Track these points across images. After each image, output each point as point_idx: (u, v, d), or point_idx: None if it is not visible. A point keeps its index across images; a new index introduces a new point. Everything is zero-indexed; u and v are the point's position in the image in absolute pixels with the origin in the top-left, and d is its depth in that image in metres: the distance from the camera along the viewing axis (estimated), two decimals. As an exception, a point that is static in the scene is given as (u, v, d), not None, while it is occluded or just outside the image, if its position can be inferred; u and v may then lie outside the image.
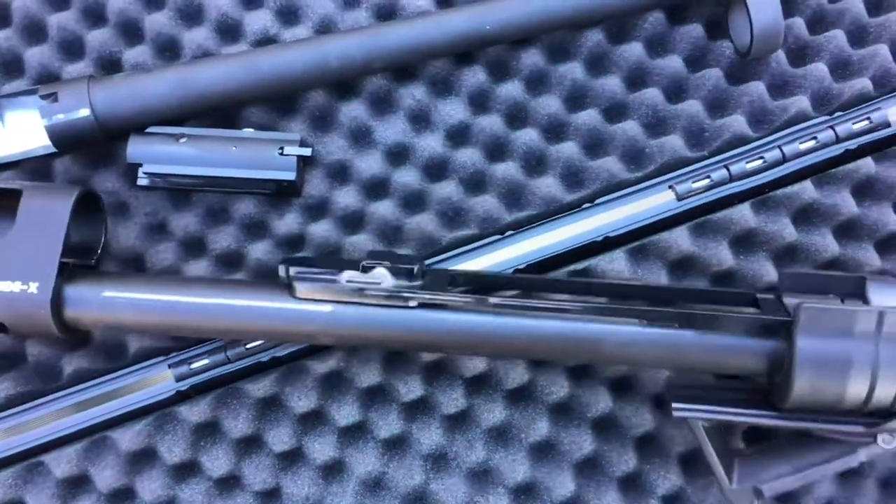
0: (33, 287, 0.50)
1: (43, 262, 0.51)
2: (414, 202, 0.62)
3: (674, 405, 0.51)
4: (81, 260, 0.54)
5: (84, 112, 0.58)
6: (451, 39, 0.61)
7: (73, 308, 0.51)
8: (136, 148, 0.59)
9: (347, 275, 0.51)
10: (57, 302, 0.51)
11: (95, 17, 0.65)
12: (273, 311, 0.52)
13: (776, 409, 0.50)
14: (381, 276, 0.51)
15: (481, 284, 0.55)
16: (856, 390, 0.47)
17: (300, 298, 0.51)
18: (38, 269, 0.51)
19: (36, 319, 0.50)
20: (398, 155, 0.63)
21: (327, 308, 0.51)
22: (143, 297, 0.52)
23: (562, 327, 0.51)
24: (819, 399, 0.48)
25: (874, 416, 0.48)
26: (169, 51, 0.65)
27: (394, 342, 0.53)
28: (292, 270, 0.51)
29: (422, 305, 0.51)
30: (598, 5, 0.62)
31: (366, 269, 0.51)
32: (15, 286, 0.50)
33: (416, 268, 0.51)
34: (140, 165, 0.60)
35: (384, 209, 0.61)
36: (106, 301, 0.52)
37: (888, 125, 0.62)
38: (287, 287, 0.51)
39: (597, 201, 0.62)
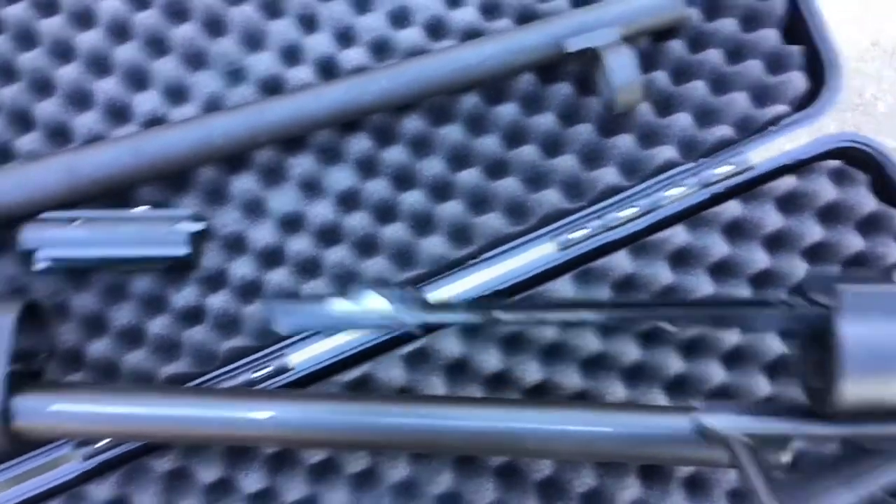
0: None
1: None
2: (308, 268, 0.64)
3: (707, 419, 0.47)
4: (26, 367, 0.55)
5: (-29, 204, 0.60)
6: (333, 111, 0.64)
7: (22, 420, 0.53)
8: (30, 235, 0.61)
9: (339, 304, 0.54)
10: (6, 416, 0.52)
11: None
12: (218, 419, 0.54)
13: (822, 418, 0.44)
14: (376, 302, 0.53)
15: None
16: None
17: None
18: None
19: None
20: (291, 223, 0.65)
21: (267, 414, 0.53)
22: (89, 409, 0.54)
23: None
24: (873, 398, 0.41)
25: None
26: (60, 136, 0.66)
27: (332, 439, 0.56)
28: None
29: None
30: (473, 71, 0.65)
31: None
32: None
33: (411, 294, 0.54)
34: (36, 250, 0.60)
35: (279, 276, 0.64)
36: (54, 414, 0.53)
37: (750, 168, 0.66)
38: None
39: (482, 257, 0.64)
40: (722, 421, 0.47)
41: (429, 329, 0.60)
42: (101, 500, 0.60)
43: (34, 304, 0.58)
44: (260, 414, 0.54)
